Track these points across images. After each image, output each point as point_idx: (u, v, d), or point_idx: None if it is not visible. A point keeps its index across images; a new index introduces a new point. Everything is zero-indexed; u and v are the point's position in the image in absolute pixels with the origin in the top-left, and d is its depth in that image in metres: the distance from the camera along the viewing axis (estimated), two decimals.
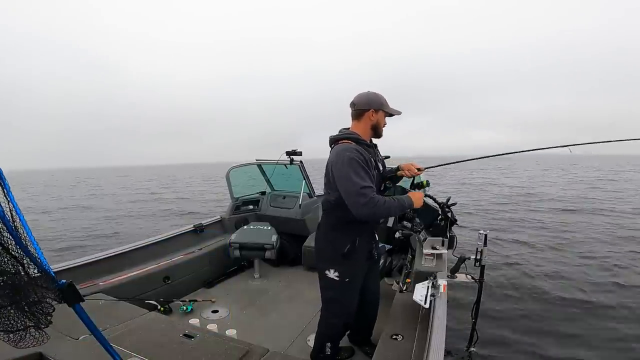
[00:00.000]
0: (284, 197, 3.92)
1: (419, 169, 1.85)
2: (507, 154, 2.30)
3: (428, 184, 1.95)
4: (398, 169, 1.87)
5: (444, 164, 2.30)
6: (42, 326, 0.82)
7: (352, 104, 1.72)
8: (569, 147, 2.19)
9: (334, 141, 1.73)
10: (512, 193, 13.59)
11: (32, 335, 0.82)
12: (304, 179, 3.65)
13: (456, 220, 2.06)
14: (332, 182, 1.62)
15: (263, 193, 4.14)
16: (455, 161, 2.44)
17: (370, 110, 1.68)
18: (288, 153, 3.48)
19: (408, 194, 1.69)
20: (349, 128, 1.75)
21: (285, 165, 3.63)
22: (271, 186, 4.20)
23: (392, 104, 1.76)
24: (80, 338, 1.55)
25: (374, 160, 1.69)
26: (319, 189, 4.86)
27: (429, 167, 2.05)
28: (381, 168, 1.79)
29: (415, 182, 1.94)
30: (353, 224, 1.66)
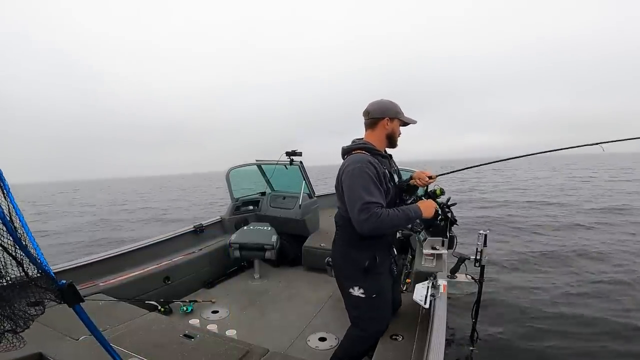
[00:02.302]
0: (284, 198, 3.92)
1: (430, 177, 1.78)
2: (528, 155, 2.11)
3: (442, 192, 1.83)
4: (411, 178, 1.80)
5: (456, 170, 2.22)
6: (19, 330, 0.81)
7: (366, 113, 1.64)
8: (602, 144, 1.99)
9: (346, 152, 1.65)
10: None
11: (8, 340, 0.81)
12: (304, 179, 3.65)
13: (456, 221, 2.06)
14: (342, 195, 1.55)
15: (263, 193, 4.14)
16: (467, 167, 2.34)
17: (385, 118, 1.61)
18: (288, 153, 3.48)
19: (417, 203, 1.61)
20: (362, 138, 1.67)
21: (285, 166, 3.63)
22: (271, 186, 4.20)
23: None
24: (81, 338, 1.56)
25: (389, 172, 1.61)
26: (319, 189, 4.86)
27: (441, 175, 1.94)
28: (397, 179, 1.71)
29: (428, 190, 1.85)
30: (370, 239, 1.59)
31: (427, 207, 1.60)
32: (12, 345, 0.82)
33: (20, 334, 0.82)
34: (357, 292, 1.63)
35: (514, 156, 2.22)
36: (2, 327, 0.79)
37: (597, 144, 2.03)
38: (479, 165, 2.34)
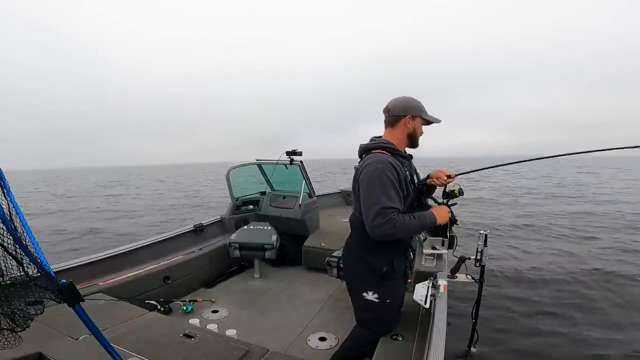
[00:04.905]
0: (284, 197, 3.92)
1: (449, 176, 1.68)
2: (561, 155, 1.86)
3: (461, 193, 1.71)
4: (428, 177, 1.73)
5: (477, 170, 2.09)
6: (19, 330, 0.81)
7: (387, 110, 1.57)
8: None
9: (365, 150, 1.58)
10: None
11: (5, 337, 0.81)
12: (304, 179, 3.65)
13: (456, 220, 2.06)
14: (359, 196, 1.50)
15: (263, 193, 4.14)
16: (492, 165, 2.20)
17: (407, 116, 1.53)
18: (288, 153, 3.49)
19: (431, 210, 1.56)
20: (380, 136, 1.60)
21: (285, 165, 3.63)
22: (271, 186, 4.20)
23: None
24: (80, 338, 1.55)
25: (410, 173, 1.55)
26: (319, 189, 4.86)
27: (461, 174, 1.81)
28: (416, 181, 1.65)
29: (446, 190, 1.75)
30: (388, 244, 1.54)
31: (442, 213, 1.57)
32: (8, 343, 0.82)
33: (18, 333, 0.82)
34: (370, 296, 1.60)
35: (543, 156, 2.00)
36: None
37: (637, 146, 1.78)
38: (505, 165, 2.15)
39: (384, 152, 1.51)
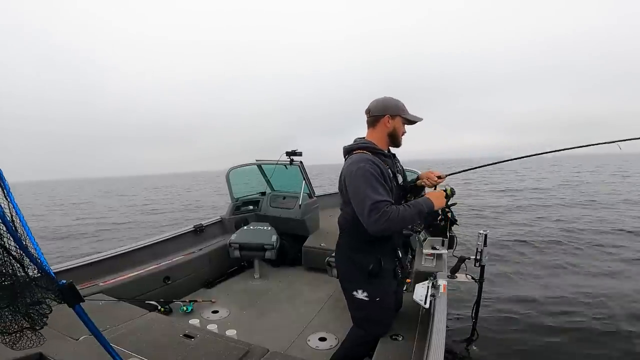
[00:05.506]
0: (284, 198, 3.92)
1: (439, 177, 1.71)
2: (545, 153, 1.90)
3: (453, 193, 1.69)
4: (418, 178, 1.76)
5: (467, 169, 2.09)
6: (38, 327, 0.82)
7: (367, 111, 1.61)
8: (618, 142, 1.77)
9: (348, 151, 1.62)
10: None
11: (28, 337, 0.82)
12: (304, 179, 3.65)
13: (456, 221, 2.06)
14: (347, 197, 1.52)
15: (263, 193, 4.15)
16: (480, 165, 2.17)
17: (386, 116, 1.56)
18: (288, 153, 3.49)
19: (426, 195, 1.55)
20: (364, 137, 1.64)
21: (285, 166, 3.63)
22: (271, 186, 4.20)
23: None
24: (81, 338, 1.56)
25: (392, 171, 1.58)
26: (319, 189, 4.86)
27: (451, 174, 1.83)
28: (401, 179, 1.67)
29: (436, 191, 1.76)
30: (375, 242, 1.57)
31: (438, 198, 1.54)
32: (31, 342, 0.83)
33: (39, 330, 0.83)
34: (360, 295, 1.62)
35: (532, 154, 2.01)
36: (20, 325, 0.80)
37: (614, 142, 1.83)
38: (495, 163, 2.14)
39: (364, 151, 1.54)
